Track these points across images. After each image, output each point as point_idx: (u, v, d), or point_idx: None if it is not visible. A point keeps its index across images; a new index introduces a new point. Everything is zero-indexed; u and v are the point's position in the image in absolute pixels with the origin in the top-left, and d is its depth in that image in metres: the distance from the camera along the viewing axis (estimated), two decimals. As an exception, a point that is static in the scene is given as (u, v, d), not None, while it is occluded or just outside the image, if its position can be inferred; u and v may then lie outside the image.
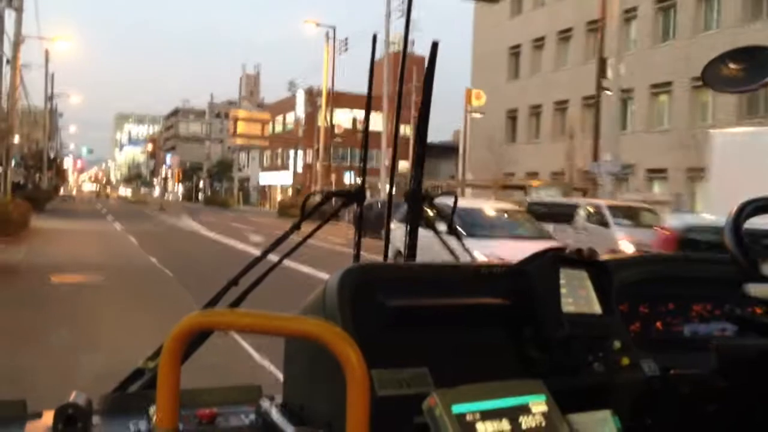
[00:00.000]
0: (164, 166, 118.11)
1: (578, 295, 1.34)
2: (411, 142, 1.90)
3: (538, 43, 36.27)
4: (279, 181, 61.61)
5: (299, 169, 55.58)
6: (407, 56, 2.16)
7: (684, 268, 1.72)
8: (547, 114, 35.53)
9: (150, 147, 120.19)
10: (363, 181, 1.78)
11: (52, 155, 61.02)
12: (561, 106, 34.25)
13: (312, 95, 49.66)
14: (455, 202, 2.03)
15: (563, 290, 1.31)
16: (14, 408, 1.25)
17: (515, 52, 37.74)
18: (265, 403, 1.25)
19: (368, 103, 1.82)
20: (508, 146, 35.92)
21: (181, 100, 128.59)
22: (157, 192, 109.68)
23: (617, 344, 1.34)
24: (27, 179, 57.20)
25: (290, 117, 58.15)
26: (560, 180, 28.79)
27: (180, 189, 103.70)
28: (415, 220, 1.77)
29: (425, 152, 1.78)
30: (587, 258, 1.37)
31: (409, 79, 55.16)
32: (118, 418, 1.25)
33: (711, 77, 1.45)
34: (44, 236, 19.67)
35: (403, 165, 57.99)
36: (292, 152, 57.33)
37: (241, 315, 0.88)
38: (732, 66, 1.42)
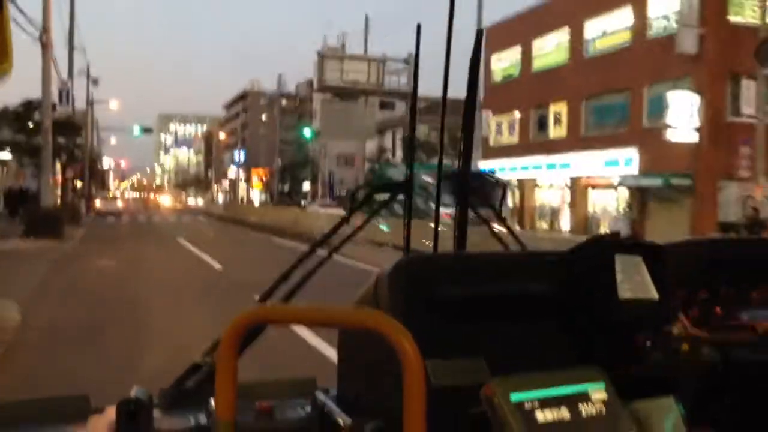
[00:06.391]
0: (233, 165, 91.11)
1: (634, 281, 1.30)
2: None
3: None
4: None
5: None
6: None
7: (744, 251, 1.68)
8: None
9: (223, 135, 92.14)
10: (410, 172, 1.75)
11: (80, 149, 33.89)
12: None
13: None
14: (504, 190, 2.05)
15: (618, 276, 1.27)
16: (77, 403, 1.26)
17: None
18: (321, 395, 1.25)
19: (415, 85, 1.82)
20: None
21: (249, 81, 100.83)
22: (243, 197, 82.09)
23: (676, 330, 1.32)
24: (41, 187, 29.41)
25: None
26: None
27: (258, 195, 75.88)
28: (463, 209, 1.72)
29: (473, 138, 1.74)
30: (642, 243, 1.34)
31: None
32: (178, 412, 1.26)
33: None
34: None
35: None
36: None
37: (296, 308, 0.89)
38: None
